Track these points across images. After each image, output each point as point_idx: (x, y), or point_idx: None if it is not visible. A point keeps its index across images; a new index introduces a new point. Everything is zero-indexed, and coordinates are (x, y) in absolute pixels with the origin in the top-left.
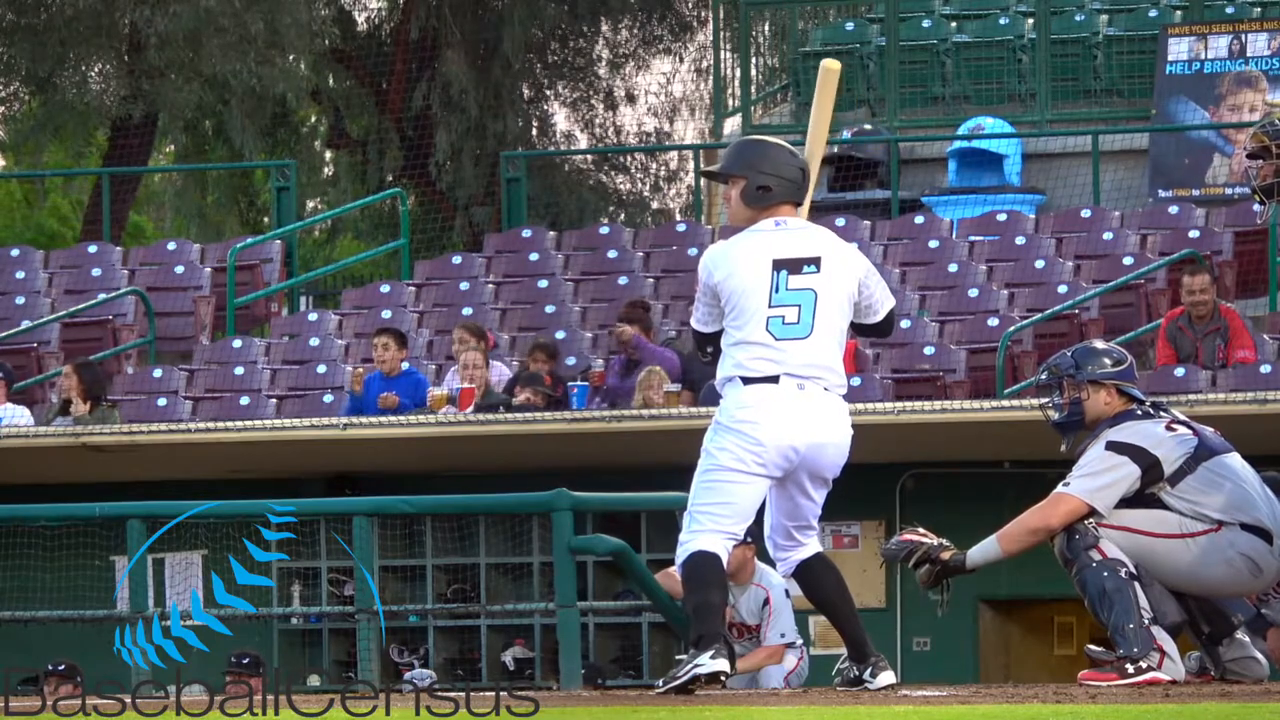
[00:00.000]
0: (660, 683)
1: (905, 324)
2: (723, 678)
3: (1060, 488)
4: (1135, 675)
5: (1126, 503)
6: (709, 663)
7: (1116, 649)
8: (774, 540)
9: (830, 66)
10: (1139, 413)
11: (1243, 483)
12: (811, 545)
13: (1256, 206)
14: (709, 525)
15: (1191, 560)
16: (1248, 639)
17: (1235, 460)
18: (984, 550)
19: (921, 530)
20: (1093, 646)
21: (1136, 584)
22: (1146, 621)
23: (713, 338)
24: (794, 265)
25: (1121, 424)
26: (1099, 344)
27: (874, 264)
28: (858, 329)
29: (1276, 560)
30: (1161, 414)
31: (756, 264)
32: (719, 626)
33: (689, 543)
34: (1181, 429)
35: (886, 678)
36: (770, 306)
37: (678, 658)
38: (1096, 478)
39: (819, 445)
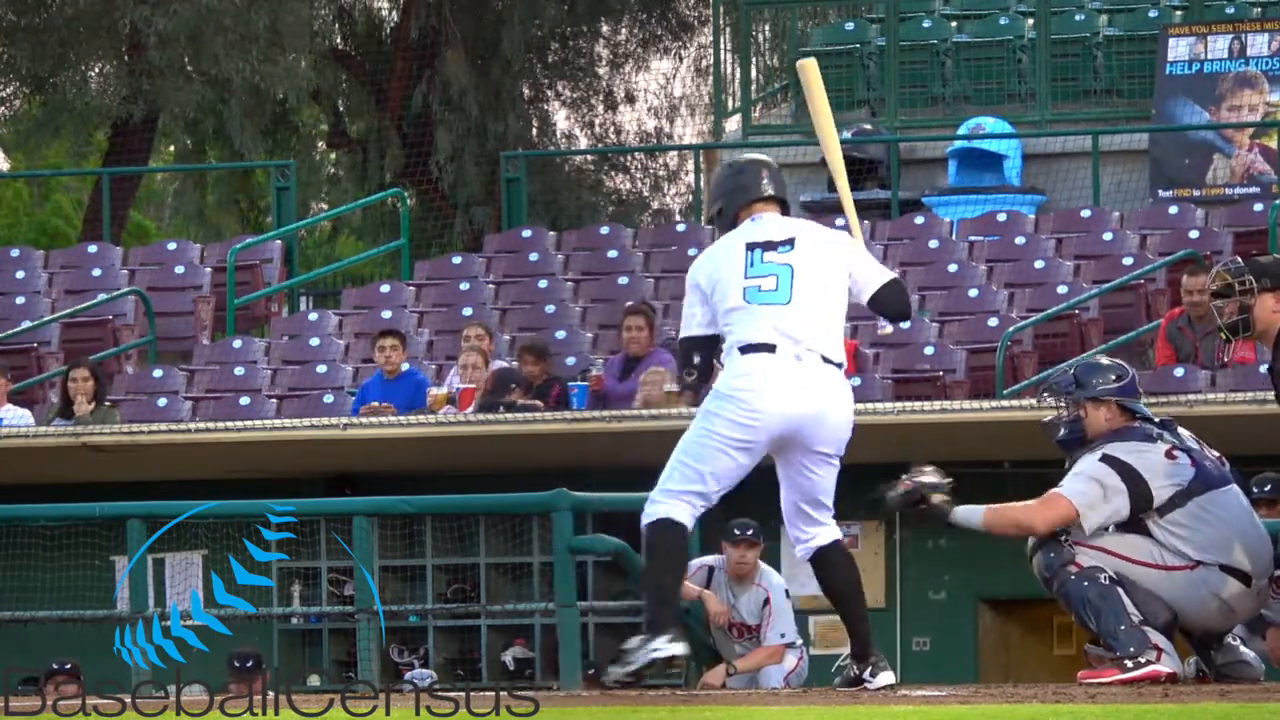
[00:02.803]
0: (610, 669)
1: (905, 324)
2: (678, 662)
3: (1054, 489)
4: (1135, 670)
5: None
6: (666, 646)
7: (1113, 651)
8: (792, 525)
9: (803, 65)
10: (1141, 431)
11: (1232, 521)
12: (830, 530)
13: (1222, 342)
14: (682, 485)
15: (1164, 590)
16: (1238, 642)
17: (1230, 496)
18: (968, 515)
19: (929, 469)
20: (1092, 646)
21: (1119, 588)
22: (1137, 621)
23: (699, 344)
24: (768, 245)
25: (1122, 440)
26: (1103, 360)
27: None
28: (874, 308)
29: (1253, 601)
30: (1165, 437)
31: (732, 249)
32: (675, 610)
33: (659, 504)
34: (1182, 457)
35: (886, 678)
36: (746, 278)
37: (623, 646)
38: (1089, 484)
39: (817, 416)
